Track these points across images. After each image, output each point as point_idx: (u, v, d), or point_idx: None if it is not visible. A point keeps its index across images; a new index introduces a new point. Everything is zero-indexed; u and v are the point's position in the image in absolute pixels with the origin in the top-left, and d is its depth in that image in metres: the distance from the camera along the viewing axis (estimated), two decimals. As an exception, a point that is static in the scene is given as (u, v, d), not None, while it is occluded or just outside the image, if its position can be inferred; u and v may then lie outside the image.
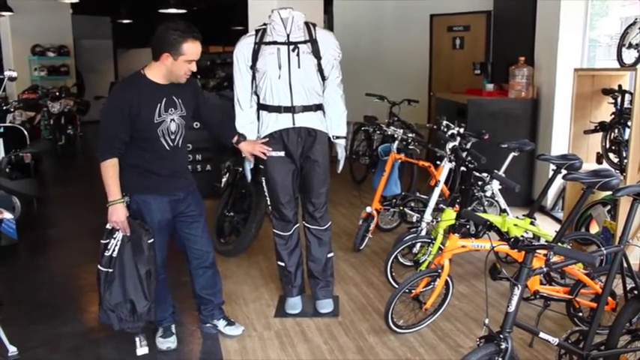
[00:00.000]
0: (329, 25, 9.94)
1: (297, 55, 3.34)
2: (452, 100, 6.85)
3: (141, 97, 2.90)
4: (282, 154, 3.48)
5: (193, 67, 2.94)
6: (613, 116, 4.48)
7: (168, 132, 2.98)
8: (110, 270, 2.94)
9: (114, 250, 2.94)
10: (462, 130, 4.31)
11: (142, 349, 3.25)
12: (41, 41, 12.09)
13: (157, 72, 2.94)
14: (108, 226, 2.97)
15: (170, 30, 2.83)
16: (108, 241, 2.96)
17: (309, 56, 3.38)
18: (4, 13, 10.60)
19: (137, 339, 3.26)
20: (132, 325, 3.01)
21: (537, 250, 2.32)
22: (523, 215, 4.01)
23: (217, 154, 5.55)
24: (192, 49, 2.86)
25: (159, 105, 2.93)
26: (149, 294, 2.98)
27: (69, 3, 11.80)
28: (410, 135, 4.80)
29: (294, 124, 3.43)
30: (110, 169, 2.90)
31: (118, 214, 2.91)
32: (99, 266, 2.96)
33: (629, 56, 4.25)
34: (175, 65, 2.88)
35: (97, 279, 2.99)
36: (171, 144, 3.01)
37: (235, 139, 3.43)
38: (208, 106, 3.36)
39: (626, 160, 4.15)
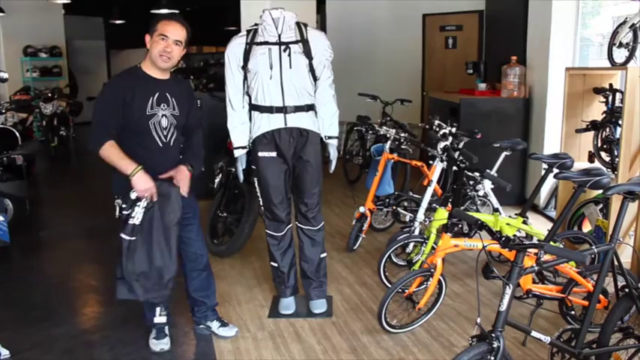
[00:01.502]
0: (322, 25, 9.94)
1: (289, 55, 3.34)
2: (444, 99, 6.86)
3: (135, 87, 2.93)
4: (274, 154, 3.48)
5: (168, 47, 2.91)
6: (604, 115, 4.50)
7: (160, 127, 2.98)
8: (133, 238, 2.88)
9: (138, 218, 2.88)
10: (453, 130, 4.33)
11: (160, 319, 3.24)
12: (33, 42, 12.04)
13: (148, 62, 2.98)
14: (132, 196, 2.87)
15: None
16: (131, 210, 2.88)
17: (301, 56, 3.38)
18: (-5, 14, 10.56)
19: (157, 309, 3.24)
20: (157, 294, 3.00)
21: (528, 249, 2.33)
22: (515, 214, 4.03)
23: (210, 155, 5.55)
24: (164, 25, 2.92)
25: (151, 98, 2.95)
26: (175, 258, 2.97)
27: (61, 3, 11.76)
28: (402, 135, 4.81)
29: (285, 124, 3.43)
30: (111, 149, 2.85)
31: (144, 180, 2.85)
32: (122, 235, 2.89)
33: (619, 55, 4.27)
34: (151, 44, 2.93)
35: (120, 249, 2.92)
36: (164, 140, 3.01)
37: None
38: (195, 122, 3.25)
39: (617, 159, 4.17)
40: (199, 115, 3.33)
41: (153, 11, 11.37)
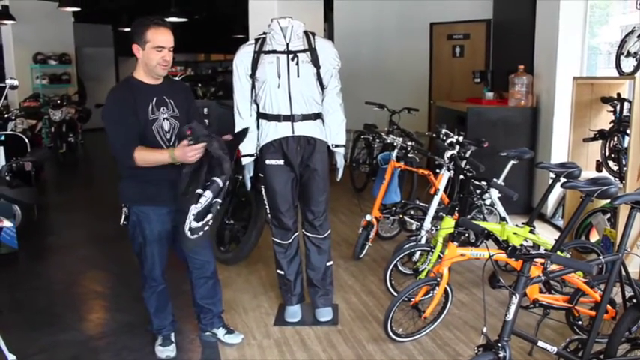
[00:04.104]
0: (329, 34, 9.99)
1: (297, 64, 3.36)
2: (452, 108, 6.87)
3: (134, 96, 2.92)
4: (281, 162, 3.49)
5: (166, 56, 2.90)
6: (612, 124, 4.49)
7: (162, 130, 2.97)
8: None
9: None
10: (460, 139, 4.32)
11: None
12: (43, 49, 12.15)
13: (141, 70, 2.96)
14: (199, 192, 2.78)
15: (135, 23, 2.88)
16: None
17: (309, 65, 3.39)
18: (6, 22, 10.66)
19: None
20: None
21: (535, 259, 2.32)
22: (522, 223, 4.02)
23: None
24: (155, 34, 2.85)
25: (150, 103, 2.94)
26: None
27: (71, 11, 11.86)
28: (409, 143, 4.81)
29: (293, 132, 3.44)
30: (143, 153, 2.85)
31: (183, 152, 2.77)
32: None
33: (627, 65, 4.26)
34: (146, 55, 2.88)
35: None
36: (168, 144, 2.99)
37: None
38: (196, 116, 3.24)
39: (625, 168, 4.16)
40: (199, 110, 3.32)
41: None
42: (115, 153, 2.94)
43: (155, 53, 2.87)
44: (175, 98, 3.05)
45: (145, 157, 2.87)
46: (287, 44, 3.37)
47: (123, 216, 3.06)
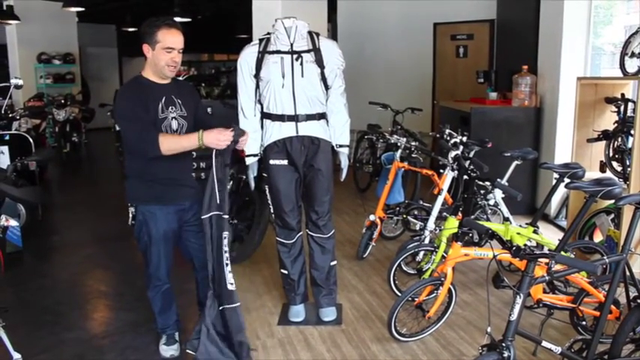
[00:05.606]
0: (333, 34, 9.98)
1: (301, 64, 3.36)
2: (455, 108, 6.86)
3: (145, 94, 2.93)
4: (285, 162, 3.50)
5: (176, 58, 2.92)
6: (616, 125, 4.49)
7: (170, 130, 2.98)
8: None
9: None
10: (464, 139, 4.32)
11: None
12: (47, 49, 12.18)
13: (149, 70, 2.98)
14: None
15: (147, 22, 2.90)
16: None
17: (313, 65, 3.40)
18: (10, 22, 10.70)
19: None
20: None
21: (539, 259, 2.32)
22: (526, 224, 4.01)
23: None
24: (166, 35, 2.87)
25: (160, 102, 2.96)
26: None
27: (75, 11, 11.90)
28: (413, 143, 4.81)
29: (297, 132, 3.45)
30: (169, 139, 2.87)
31: (215, 137, 2.85)
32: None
33: (631, 65, 4.26)
34: (155, 56, 2.90)
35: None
36: None
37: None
38: (205, 118, 3.28)
39: (629, 169, 4.15)
40: (206, 109, 3.32)
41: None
42: (135, 146, 2.93)
43: (164, 54, 2.89)
44: (183, 98, 3.06)
45: (170, 143, 2.87)
46: (291, 44, 3.38)
47: (130, 215, 3.07)
